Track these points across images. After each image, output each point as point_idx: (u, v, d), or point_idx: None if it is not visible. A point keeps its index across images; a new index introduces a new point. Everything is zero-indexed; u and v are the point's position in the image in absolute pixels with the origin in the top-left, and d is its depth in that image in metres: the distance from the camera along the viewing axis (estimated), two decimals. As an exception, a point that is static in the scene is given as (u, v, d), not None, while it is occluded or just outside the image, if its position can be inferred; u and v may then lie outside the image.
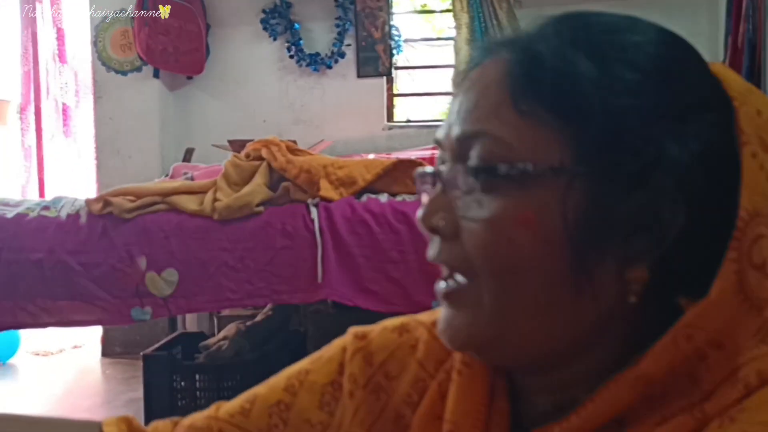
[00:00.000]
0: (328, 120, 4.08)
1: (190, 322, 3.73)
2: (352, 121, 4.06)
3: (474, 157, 0.48)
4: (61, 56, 4.25)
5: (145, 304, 1.88)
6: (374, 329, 0.62)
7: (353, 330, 0.63)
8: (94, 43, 4.03)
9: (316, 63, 4.09)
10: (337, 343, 0.63)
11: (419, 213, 0.51)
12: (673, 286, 0.47)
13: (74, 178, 4.28)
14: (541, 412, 0.52)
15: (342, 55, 4.07)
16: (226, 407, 0.62)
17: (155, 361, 2.56)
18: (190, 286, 1.88)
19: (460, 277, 0.49)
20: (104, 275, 1.88)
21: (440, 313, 0.52)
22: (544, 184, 0.46)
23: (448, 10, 4.06)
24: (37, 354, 4.04)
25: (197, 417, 0.63)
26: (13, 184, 4.25)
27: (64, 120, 4.28)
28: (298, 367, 0.63)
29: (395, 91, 4.26)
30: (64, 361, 4.00)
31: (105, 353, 4.05)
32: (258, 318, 2.70)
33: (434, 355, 0.58)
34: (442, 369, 0.57)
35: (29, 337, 3.93)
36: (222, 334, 2.70)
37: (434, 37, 4.52)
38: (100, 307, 1.88)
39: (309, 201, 1.93)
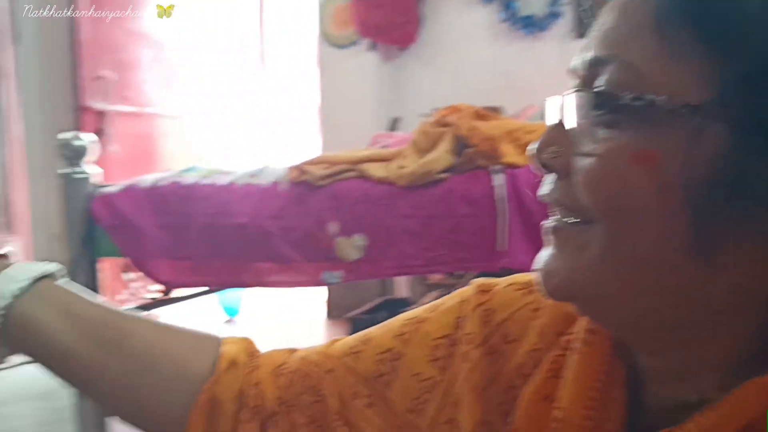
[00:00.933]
0: (542, 85, 3.93)
1: (405, 288, 3.84)
2: (568, 86, 3.88)
3: (599, 84, 0.43)
4: (285, 33, 4.54)
5: (336, 268, 1.96)
6: (500, 283, 0.58)
7: (477, 282, 0.59)
8: (318, 20, 4.26)
9: (530, 26, 3.96)
10: (457, 294, 0.59)
11: (530, 147, 0.47)
12: None
13: (301, 149, 4.58)
14: (663, 409, 0.45)
15: (557, 16, 3.90)
16: (340, 345, 0.61)
17: (359, 323, 2.69)
18: (377, 251, 1.93)
19: (571, 218, 0.45)
20: (299, 239, 1.99)
21: (541, 253, 0.47)
22: (674, 123, 0.39)
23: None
24: (265, 313, 4.41)
25: (311, 350, 0.62)
26: (249, 154, 4.66)
27: (290, 93, 4.57)
28: (415, 314, 0.60)
29: (615, 51, 4.00)
30: (292, 321, 4.33)
31: (330, 315, 4.32)
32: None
33: (554, 324, 0.53)
34: (557, 343, 0.52)
35: (259, 297, 4.30)
36: (422, 301, 2.75)
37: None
38: (294, 269, 1.99)
39: (492, 168, 1.88)
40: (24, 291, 0.58)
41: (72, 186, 2.16)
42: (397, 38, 4.08)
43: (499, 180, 1.85)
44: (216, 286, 2.32)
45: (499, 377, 0.54)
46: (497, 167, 1.87)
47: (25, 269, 0.60)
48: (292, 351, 0.63)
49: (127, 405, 0.60)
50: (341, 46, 4.20)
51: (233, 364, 0.60)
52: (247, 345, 0.63)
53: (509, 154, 1.86)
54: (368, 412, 0.57)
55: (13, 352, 0.60)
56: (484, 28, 4.06)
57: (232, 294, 4.14)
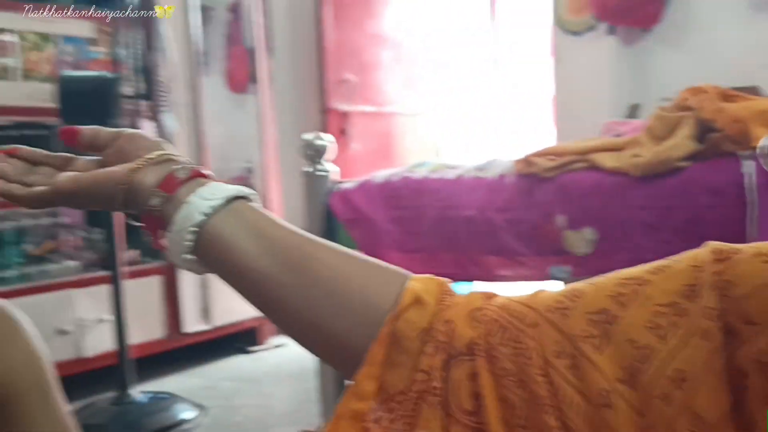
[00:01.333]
0: (810, 59, 3.48)
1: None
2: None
3: None
4: (518, 23, 4.47)
5: (564, 262, 1.89)
6: (742, 251, 0.49)
7: (713, 246, 0.51)
8: (553, 8, 4.14)
9: (796, -7, 3.51)
10: (689, 257, 0.52)
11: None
12: None
13: (536, 140, 4.50)
14: None
15: (829, -22, 3.42)
16: (545, 297, 0.56)
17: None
18: (608, 245, 1.83)
19: None
20: (525, 232, 1.94)
21: None
22: None
23: None
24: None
25: (513, 299, 0.57)
26: (485, 147, 4.67)
27: (523, 84, 4.51)
28: (635, 273, 0.53)
29: None
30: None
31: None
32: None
33: None
34: None
35: (493, 290, 4.28)
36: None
37: None
38: (520, 263, 1.95)
39: (742, 153, 1.69)
40: (217, 209, 0.59)
41: (313, 183, 2.32)
42: (639, 20, 3.84)
43: (749, 167, 1.65)
44: (445, 278, 2.35)
45: (730, 361, 0.46)
46: (747, 153, 1.68)
47: (220, 188, 0.61)
48: (490, 296, 0.59)
49: (308, 330, 0.59)
50: (577, 33, 4.05)
51: (418, 300, 0.57)
52: (438, 285, 0.59)
53: (762, 137, 1.66)
54: (570, 373, 0.51)
55: (206, 270, 0.61)
56: (738, 1, 3.68)
57: (463, 287, 4.17)
